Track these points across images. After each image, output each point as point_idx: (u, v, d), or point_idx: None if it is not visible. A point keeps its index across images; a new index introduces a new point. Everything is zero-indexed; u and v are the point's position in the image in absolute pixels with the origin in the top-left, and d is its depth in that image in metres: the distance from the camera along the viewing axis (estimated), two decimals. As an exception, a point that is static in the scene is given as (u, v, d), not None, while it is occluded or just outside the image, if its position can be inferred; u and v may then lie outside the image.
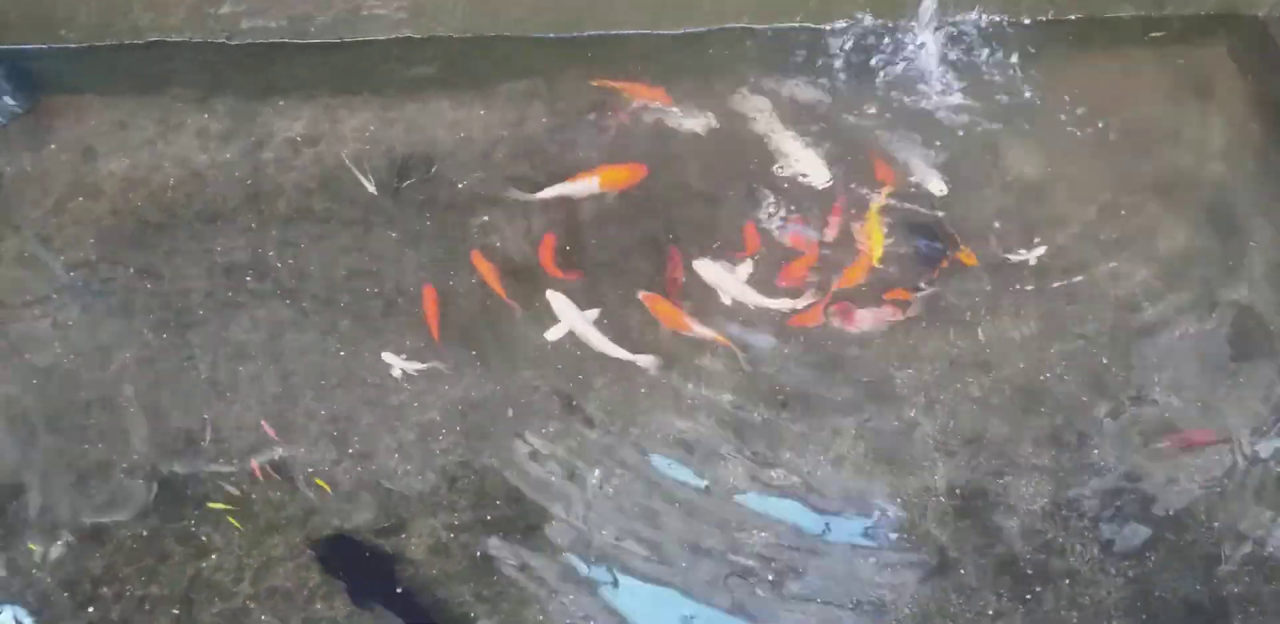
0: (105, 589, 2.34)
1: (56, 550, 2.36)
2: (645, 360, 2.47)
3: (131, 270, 2.67)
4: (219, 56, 2.99)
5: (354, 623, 2.31)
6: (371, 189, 2.72)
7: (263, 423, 2.45)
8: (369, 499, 2.39)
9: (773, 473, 2.41)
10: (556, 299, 2.52)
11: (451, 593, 2.31)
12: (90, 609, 2.33)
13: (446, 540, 2.35)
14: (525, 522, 2.36)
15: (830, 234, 2.65)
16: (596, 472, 2.41)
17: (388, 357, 2.50)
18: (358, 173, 2.72)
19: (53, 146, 2.83)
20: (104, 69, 2.99)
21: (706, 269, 2.58)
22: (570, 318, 2.51)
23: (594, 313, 2.52)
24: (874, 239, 2.60)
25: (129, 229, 2.73)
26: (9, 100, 2.76)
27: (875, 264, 2.59)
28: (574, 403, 2.49)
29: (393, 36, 2.98)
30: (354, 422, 2.47)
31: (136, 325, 2.59)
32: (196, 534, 2.37)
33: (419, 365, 2.48)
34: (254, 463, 2.41)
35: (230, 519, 2.37)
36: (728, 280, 2.57)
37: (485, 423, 2.47)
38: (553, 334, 2.52)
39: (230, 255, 2.68)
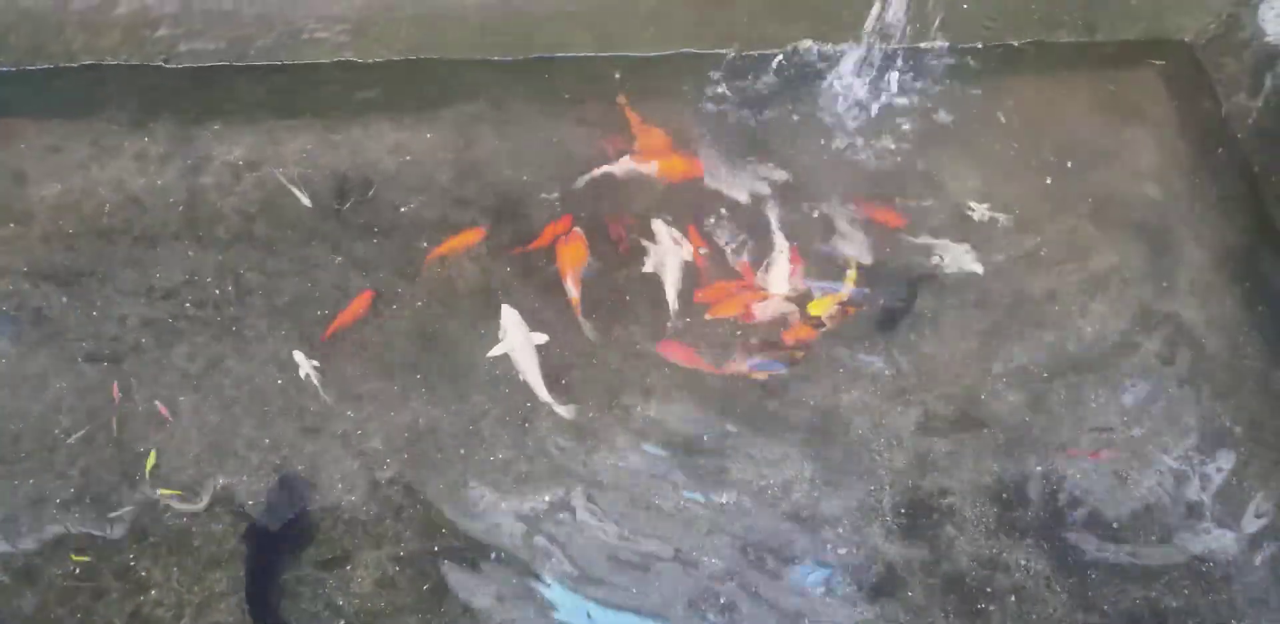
0: (38, 630, 2.28)
1: None
2: (564, 410, 2.48)
3: (65, 299, 2.62)
4: (157, 79, 2.96)
5: (298, 658, 2.27)
6: (306, 202, 2.71)
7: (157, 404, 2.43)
8: (313, 531, 2.36)
9: (722, 499, 2.43)
10: (509, 315, 2.53)
11: (399, 625, 2.28)
12: (22, 651, 2.26)
13: (393, 573, 2.33)
14: (474, 552, 2.35)
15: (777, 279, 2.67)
16: (546, 498, 2.41)
17: (298, 356, 2.49)
18: (289, 185, 2.71)
19: (-18, 171, 2.77)
20: (36, 92, 2.94)
21: (661, 230, 2.67)
22: (514, 339, 2.50)
23: (542, 338, 2.53)
24: (819, 305, 2.63)
25: (62, 256, 2.68)
26: (-64, 124, 2.70)
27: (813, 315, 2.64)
28: (524, 428, 2.48)
29: (335, 60, 2.97)
30: (296, 450, 2.45)
31: (71, 355, 2.54)
32: (135, 569, 2.32)
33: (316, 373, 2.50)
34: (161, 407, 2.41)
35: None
36: (670, 248, 2.64)
37: (431, 450, 2.46)
38: (496, 351, 2.52)
39: (168, 282, 2.65)
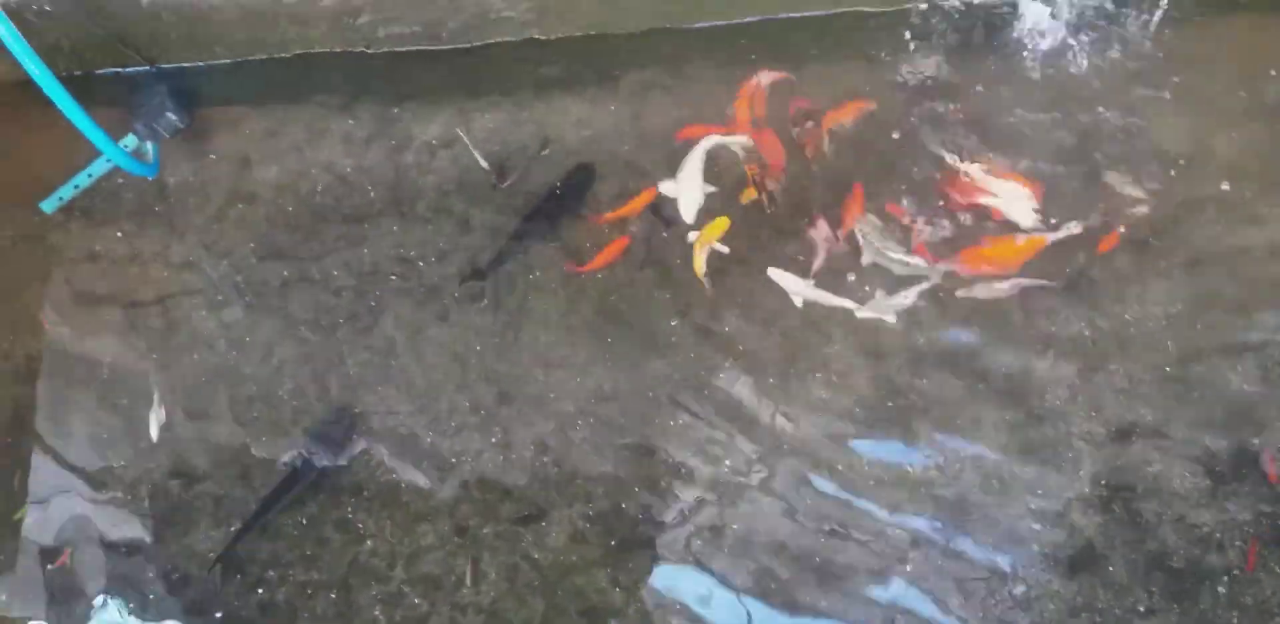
0: (271, 572, 2.59)
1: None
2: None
3: (286, 272, 2.90)
4: (359, 65, 3.18)
5: (499, 607, 2.48)
6: (484, 164, 2.89)
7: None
8: (510, 488, 2.55)
9: (908, 468, 2.44)
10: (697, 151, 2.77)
11: (591, 579, 2.44)
12: (259, 591, 2.57)
13: (584, 529, 2.49)
14: (658, 510, 2.47)
15: None
16: (727, 462, 2.49)
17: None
18: (472, 149, 2.92)
19: (212, 157, 3.09)
20: (255, 82, 3.23)
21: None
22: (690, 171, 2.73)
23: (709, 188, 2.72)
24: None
25: (282, 232, 2.96)
26: (172, 116, 3.02)
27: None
28: (704, 394, 2.57)
29: (521, 38, 3.09)
30: (494, 414, 2.64)
31: (292, 324, 2.83)
32: (353, 521, 2.59)
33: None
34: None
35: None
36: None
37: (617, 413, 2.61)
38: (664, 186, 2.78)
39: (376, 255, 2.88)
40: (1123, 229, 2.58)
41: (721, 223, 2.70)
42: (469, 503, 2.58)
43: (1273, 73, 2.75)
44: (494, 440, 2.64)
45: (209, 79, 3.20)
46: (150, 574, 2.66)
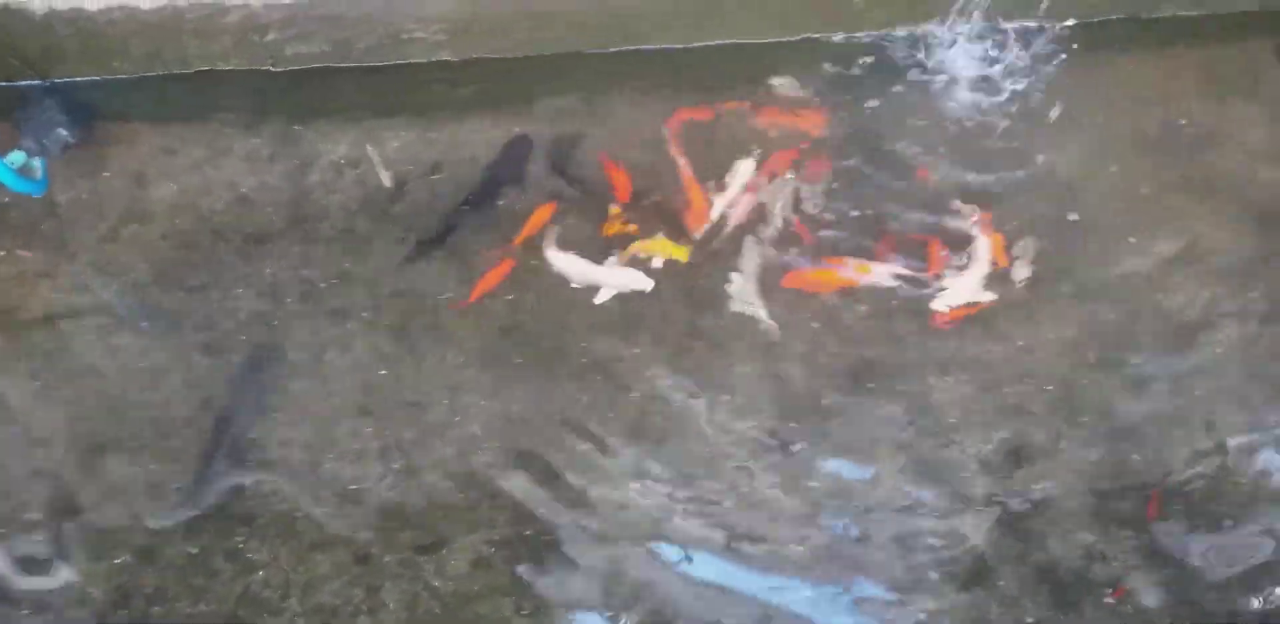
0: (157, 607, 2.52)
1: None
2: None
3: (181, 293, 2.85)
4: (264, 82, 3.16)
5: (398, 638, 2.46)
6: (387, 183, 2.88)
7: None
8: (412, 515, 2.52)
9: (812, 483, 2.50)
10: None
11: (494, 607, 2.43)
12: (143, 626, 2.49)
13: (488, 555, 2.48)
14: (564, 536, 2.48)
15: None
16: (632, 485, 2.52)
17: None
18: (378, 167, 2.92)
19: (106, 174, 3.02)
20: (154, 98, 3.18)
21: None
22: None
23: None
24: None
25: (179, 253, 2.91)
26: (63, 132, 2.95)
27: None
28: (612, 417, 2.59)
29: (432, 59, 3.11)
30: (397, 438, 2.62)
31: (187, 348, 2.76)
32: (244, 551, 2.53)
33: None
34: None
35: None
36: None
37: (523, 437, 2.60)
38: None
39: (277, 277, 2.85)
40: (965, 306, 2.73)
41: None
42: (368, 531, 2.55)
43: (1154, 108, 2.95)
44: (395, 466, 2.62)
45: (105, 94, 3.13)
46: (23, 612, 2.56)
